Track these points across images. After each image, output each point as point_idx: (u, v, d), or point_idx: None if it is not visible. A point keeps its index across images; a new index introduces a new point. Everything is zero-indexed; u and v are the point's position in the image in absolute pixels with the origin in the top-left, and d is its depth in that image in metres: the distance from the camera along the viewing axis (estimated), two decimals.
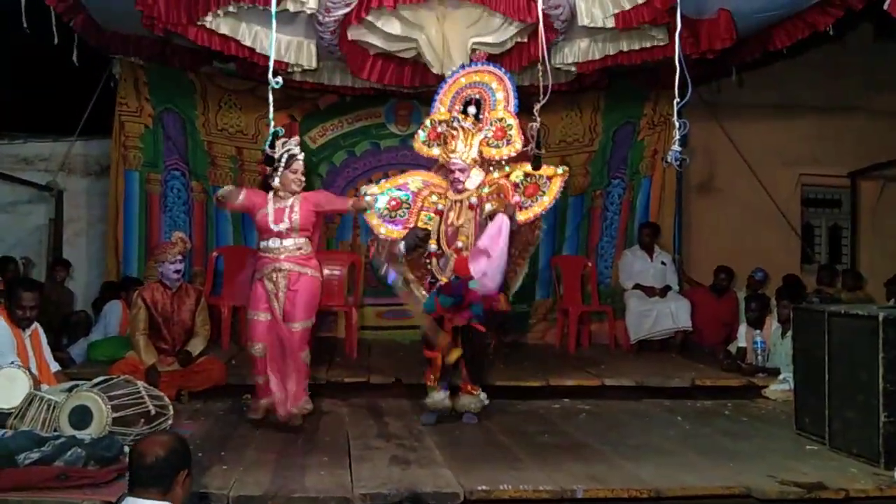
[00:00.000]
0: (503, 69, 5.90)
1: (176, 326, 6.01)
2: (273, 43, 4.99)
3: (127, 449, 3.87)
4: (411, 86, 7.81)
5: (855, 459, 4.55)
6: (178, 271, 6.01)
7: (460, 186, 5.46)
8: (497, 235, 5.17)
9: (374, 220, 5.72)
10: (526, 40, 6.75)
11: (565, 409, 5.93)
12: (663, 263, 8.40)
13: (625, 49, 7.09)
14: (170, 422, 4.69)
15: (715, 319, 8.25)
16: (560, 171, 5.63)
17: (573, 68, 7.55)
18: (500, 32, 6.60)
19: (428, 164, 6.07)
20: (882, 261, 9.30)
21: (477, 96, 5.74)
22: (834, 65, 9.43)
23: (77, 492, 3.67)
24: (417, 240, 5.59)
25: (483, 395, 5.51)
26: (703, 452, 4.70)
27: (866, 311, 4.74)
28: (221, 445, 4.64)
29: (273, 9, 4.84)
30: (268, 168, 5.13)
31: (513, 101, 5.67)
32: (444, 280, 5.38)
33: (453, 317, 5.24)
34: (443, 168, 5.71)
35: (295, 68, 7.35)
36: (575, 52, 7.33)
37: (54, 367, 5.43)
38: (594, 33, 7.02)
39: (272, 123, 4.88)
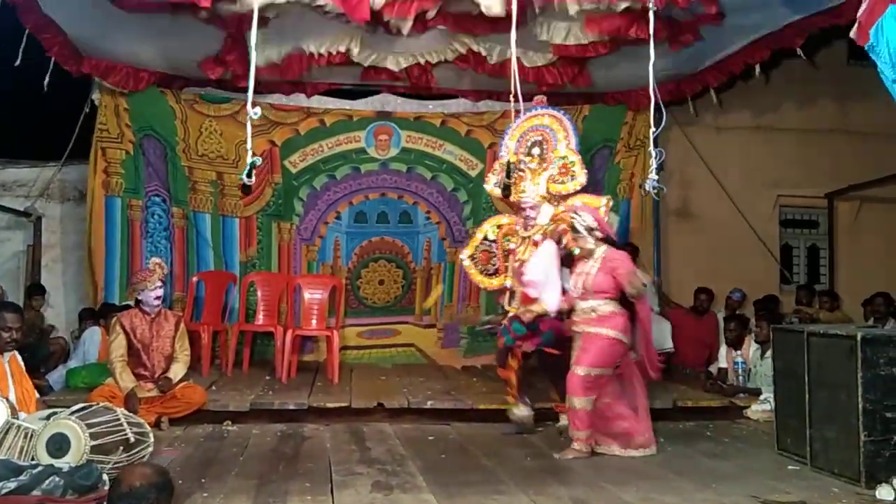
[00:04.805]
0: (561, 111, 6.23)
1: (155, 352, 5.98)
2: (253, 73, 4.96)
3: (106, 477, 3.83)
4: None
5: (836, 479, 4.57)
6: (158, 297, 6.00)
7: (532, 223, 5.86)
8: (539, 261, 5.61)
9: (478, 277, 6.29)
10: None
11: (548, 431, 5.92)
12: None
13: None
14: (150, 449, 4.62)
15: (695, 340, 8.26)
16: (604, 200, 5.78)
17: (551, 53, 7.45)
18: None
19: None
20: (859, 280, 9.36)
21: (539, 137, 6.08)
22: (810, 87, 9.57)
23: None
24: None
25: None
26: (684, 474, 4.70)
27: (844, 330, 4.79)
28: (202, 472, 4.59)
29: (254, 41, 4.81)
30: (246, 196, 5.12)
31: (573, 140, 6.04)
32: (512, 311, 5.83)
33: (523, 343, 5.74)
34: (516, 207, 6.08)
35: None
36: (553, 30, 7.05)
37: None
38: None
39: (250, 153, 4.84)
